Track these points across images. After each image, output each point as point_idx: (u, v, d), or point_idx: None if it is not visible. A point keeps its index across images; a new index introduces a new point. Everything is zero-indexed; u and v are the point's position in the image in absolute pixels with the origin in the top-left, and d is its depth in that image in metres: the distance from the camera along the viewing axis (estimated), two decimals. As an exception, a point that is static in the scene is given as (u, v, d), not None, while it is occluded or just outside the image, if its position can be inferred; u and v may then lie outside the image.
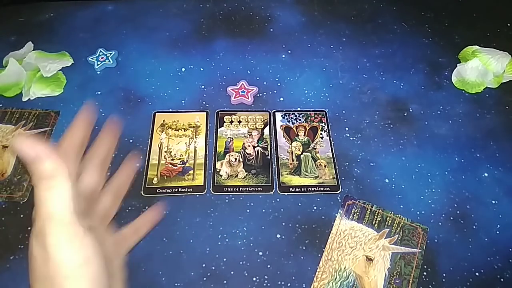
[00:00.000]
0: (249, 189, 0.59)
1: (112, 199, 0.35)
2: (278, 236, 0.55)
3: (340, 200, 0.58)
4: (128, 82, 0.70)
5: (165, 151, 0.62)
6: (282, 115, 0.67)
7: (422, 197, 0.58)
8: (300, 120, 0.66)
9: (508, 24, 0.81)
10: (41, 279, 0.28)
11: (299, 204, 0.57)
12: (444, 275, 0.52)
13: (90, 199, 0.33)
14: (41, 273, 0.27)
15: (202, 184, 0.59)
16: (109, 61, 0.72)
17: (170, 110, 0.67)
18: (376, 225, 0.55)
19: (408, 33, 0.79)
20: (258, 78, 0.71)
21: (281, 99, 0.69)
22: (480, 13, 0.83)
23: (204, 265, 0.52)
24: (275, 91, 0.70)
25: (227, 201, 0.58)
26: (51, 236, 0.26)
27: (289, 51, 0.76)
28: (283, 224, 0.56)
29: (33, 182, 0.27)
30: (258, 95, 0.69)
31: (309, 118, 0.66)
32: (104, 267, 0.29)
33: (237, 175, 0.60)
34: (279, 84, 0.71)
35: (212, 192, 0.58)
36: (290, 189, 0.59)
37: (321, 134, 0.65)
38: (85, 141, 0.33)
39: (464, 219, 0.57)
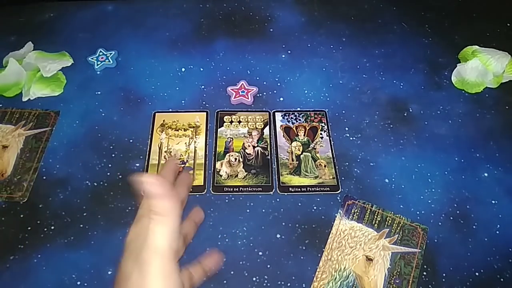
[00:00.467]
0: (249, 189, 0.59)
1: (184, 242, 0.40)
2: (278, 236, 0.55)
3: (340, 200, 0.58)
4: (128, 82, 0.70)
5: (165, 151, 0.62)
6: (282, 115, 0.67)
7: (422, 197, 0.58)
8: (300, 120, 0.66)
9: (508, 24, 0.81)
10: None
11: (299, 204, 0.57)
12: (444, 275, 0.52)
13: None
14: None
15: (202, 184, 0.59)
16: (109, 61, 0.72)
17: (170, 110, 0.67)
18: (376, 225, 0.55)
19: (408, 33, 0.79)
20: (258, 78, 0.71)
21: (281, 99, 0.69)
22: (480, 13, 0.83)
23: (204, 265, 0.52)
24: (275, 91, 0.70)
25: (227, 201, 0.58)
26: (152, 267, 0.30)
27: (289, 51, 0.75)
28: (283, 224, 0.56)
29: (146, 213, 0.32)
30: (258, 95, 0.69)
31: (309, 118, 0.66)
32: None
33: (237, 175, 0.60)
34: (279, 84, 0.71)
35: (212, 192, 0.58)
36: (290, 189, 0.59)
37: (321, 134, 0.65)
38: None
39: (464, 219, 0.57)
